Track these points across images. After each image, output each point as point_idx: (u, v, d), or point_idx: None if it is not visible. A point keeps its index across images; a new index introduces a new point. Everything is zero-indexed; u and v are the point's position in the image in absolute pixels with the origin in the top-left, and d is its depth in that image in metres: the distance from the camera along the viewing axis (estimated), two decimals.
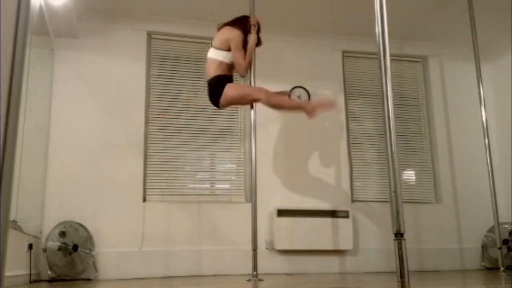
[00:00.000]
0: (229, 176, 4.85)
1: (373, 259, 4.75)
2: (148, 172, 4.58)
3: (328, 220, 4.61)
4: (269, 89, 3.71)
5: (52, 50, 4.45)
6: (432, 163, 5.32)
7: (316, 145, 4.95)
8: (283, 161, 4.80)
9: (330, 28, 5.11)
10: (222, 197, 4.74)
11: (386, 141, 1.84)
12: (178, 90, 4.85)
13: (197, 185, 4.76)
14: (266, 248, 4.54)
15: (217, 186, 4.81)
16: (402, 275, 1.69)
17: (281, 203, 4.63)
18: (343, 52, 5.30)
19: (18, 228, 3.26)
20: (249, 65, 3.75)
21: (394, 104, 1.89)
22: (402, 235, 1.73)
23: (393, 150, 1.82)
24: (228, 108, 4.91)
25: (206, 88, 3.70)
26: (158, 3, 4.58)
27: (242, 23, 3.78)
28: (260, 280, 3.47)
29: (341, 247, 4.64)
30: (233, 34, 3.67)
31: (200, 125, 4.81)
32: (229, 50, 3.63)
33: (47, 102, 4.34)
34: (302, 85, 5.04)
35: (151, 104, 4.74)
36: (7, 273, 2.93)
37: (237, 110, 4.93)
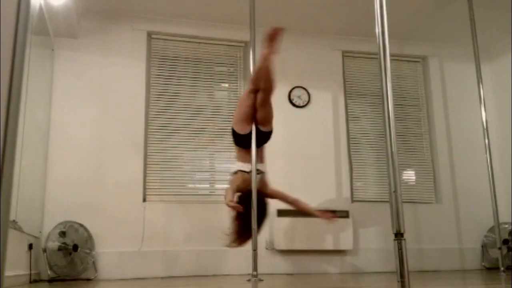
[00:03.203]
0: (229, 176, 4.84)
1: (373, 259, 4.74)
2: (148, 172, 4.58)
3: None
4: None
5: (52, 50, 4.45)
6: (432, 163, 5.32)
7: (316, 145, 4.95)
8: (283, 161, 4.80)
9: (330, 28, 5.11)
10: (222, 197, 4.72)
11: (386, 141, 1.84)
12: (178, 90, 4.85)
13: (196, 185, 4.76)
14: (266, 248, 4.54)
15: (216, 186, 4.81)
16: (402, 275, 1.69)
17: (281, 203, 4.62)
18: (343, 52, 5.30)
19: (18, 228, 3.25)
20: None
21: (394, 104, 1.89)
22: (402, 235, 1.73)
23: (393, 150, 1.81)
24: (228, 108, 4.92)
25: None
26: (158, 3, 4.58)
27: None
28: (260, 280, 3.47)
29: (341, 247, 4.64)
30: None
31: (200, 125, 4.81)
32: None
33: (47, 102, 4.34)
34: (302, 85, 5.04)
35: (151, 104, 4.74)
36: (7, 273, 2.93)
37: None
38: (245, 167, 3.35)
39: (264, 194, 3.35)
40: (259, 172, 3.35)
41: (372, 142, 5.19)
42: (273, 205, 4.54)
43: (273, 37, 3.15)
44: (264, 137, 3.35)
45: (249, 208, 3.21)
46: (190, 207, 4.54)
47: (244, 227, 3.20)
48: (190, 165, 4.74)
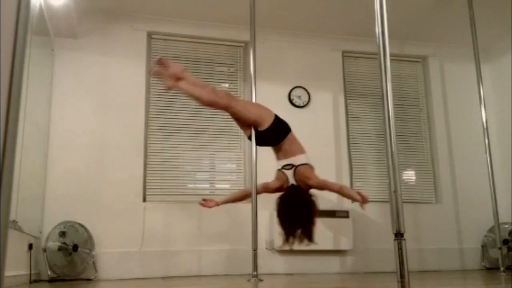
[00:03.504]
0: (229, 176, 4.85)
1: (373, 259, 4.74)
2: (148, 172, 4.58)
3: (328, 220, 4.61)
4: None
5: (52, 50, 4.45)
6: (432, 163, 5.32)
7: (316, 145, 4.94)
8: None
9: (330, 28, 5.11)
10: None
11: (386, 141, 1.84)
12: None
13: (197, 185, 4.76)
14: (266, 248, 4.53)
15: (217, 186, 4.81)
16: (402, 275, 1.69)
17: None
18: (343, 52, 5.30)
19: (18, 228, 3.25)
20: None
21: (394, 104, 1.89)
22: (402, 235, 1.73)
23: (393, 150, 1.81)
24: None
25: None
26: (158, 3, 4.58)
27: None
28: (260, 280, 3.47)
29: (341, 247, 4.64)
30: None
31: (200, 125, 4.81)
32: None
33: (47, 102, 4.34)
34: (302, 85, 5.04)
35: (151, 104, 4.75)
36: (7, 273, 2.93)
37: None
38: (276, 164, 3.45)
39: (308, 186, 3.35)
40: (290, 166, 3.36)
41: (372, 142, 5.20)
42: (273, 205, 4.55)
43: (158, 73, 3.29)
44: (266, 135, 3.38)
45: (289, 206, 3.26)
46: (190, 207, 4.53)
47: (285, 226, 3.23)
48: (190, 165, 4.75)
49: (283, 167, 3.39)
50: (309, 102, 5.03)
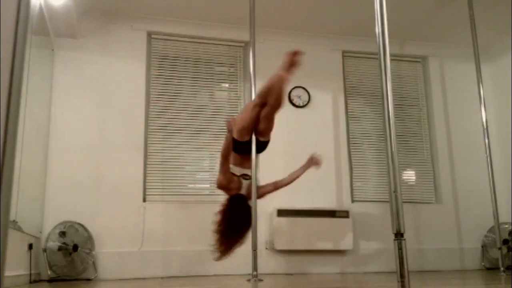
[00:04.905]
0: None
1: (373, 259, 4.74)
2: (148, 172, 4.58)
3: (328, 220, 4.61)
4: None
5: (52, 50, 4.45)
6: (432, 163, 5.32)
7: (316, 145, 4.94)
8: (283, 161, 4.79)
9: (330, 28, 5.11)
10: (222, 197, 4.72)
11: (386, 141, 1.84)
12: (178, 90, 4.86)
13: (197, 185, 4.76)
14: (266, 248, 4.53)
15: None
16: (402, 275, 1.69)
17: (281, 203, 4.62)
18: (343, 52, 5.30)
19: (18, 228, 3.25)
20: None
21: (394, 104, 1.89)
22: (402, 235, 1.73)
23: (393, 150, 1.82)
24: (228, 108, 4.92)
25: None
26: (158, 3, 4.58)
27: None
28: (260, 280, 3.47)
29: (341, 247, 4.64)
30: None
31: (200, 125, 4.81)
32: None
33: (47, 102, 4.34)
34: (302, 85, 5.04)
35: (151, 104, 4.74)
36: (7, 273, 2.93)
37: (237, 109, 4.92)
38: (236, 170, 3.37)
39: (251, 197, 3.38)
40: (248, 177, 3.36)
41: (372, 142, 5.19)
42: (273, 205, 4.56)
43: (294, 62, 3.15)
44: (261, 146, 3.38)
45: (235, 213, 3.14)
46: (190, 207, 4.54)
47: (228, 233, 3.07)
48: (190, 165, 4.74)
49: (243, 175, 3.35)
50: (309, 102, 5.03)
